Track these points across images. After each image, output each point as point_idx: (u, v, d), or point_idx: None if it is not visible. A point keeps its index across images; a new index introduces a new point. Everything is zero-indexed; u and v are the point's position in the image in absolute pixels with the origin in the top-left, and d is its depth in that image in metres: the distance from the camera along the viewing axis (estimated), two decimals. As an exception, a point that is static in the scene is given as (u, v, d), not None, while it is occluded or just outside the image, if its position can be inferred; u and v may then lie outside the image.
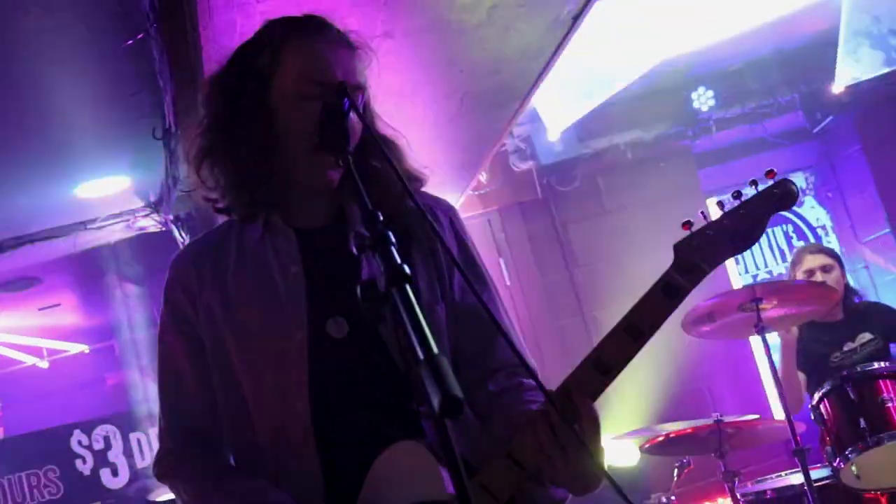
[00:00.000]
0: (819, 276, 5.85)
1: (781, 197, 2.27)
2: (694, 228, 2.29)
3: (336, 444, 2.25)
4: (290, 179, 2.29)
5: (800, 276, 5.91)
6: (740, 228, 2.26)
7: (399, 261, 1.73)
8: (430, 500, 2.12)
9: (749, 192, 2.26)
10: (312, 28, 2.32)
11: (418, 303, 1.69)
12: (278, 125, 2.25)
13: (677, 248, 2.30)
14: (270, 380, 2.26)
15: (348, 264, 2.24)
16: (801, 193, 8.37)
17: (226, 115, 2.30)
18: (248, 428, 2.28)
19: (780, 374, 5.20)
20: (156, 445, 7.31)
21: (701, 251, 2.28)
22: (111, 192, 6.40)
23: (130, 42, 4.50)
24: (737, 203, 2.27)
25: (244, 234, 2.38)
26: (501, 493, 2.13)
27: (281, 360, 2.26)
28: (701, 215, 2.29)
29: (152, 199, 6.73)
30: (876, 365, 4.95)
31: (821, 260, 5.95)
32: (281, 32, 2.31)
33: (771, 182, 2.26)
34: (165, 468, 2.41)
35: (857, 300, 6.09)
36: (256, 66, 2.29)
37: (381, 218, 1.84)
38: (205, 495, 2.32)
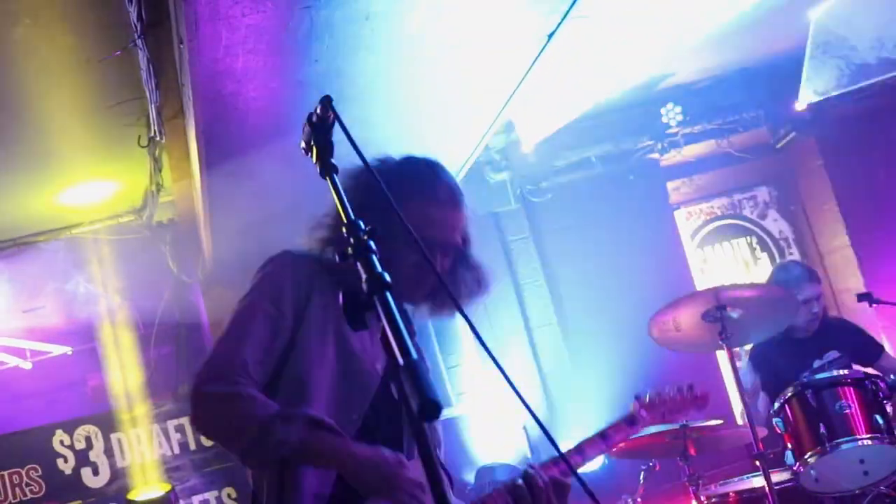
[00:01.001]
0: (813, 307, 5.83)
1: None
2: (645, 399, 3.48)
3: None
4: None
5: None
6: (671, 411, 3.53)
7: (380, 269, 1.76)
8: None
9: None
10: (441, 186, 2.78)
11: (399, 308, 1.73)
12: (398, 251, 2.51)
13: (639, 402, 3.52)
14: (341, 394, 2.59)
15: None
16: (764, 206, 8.45)
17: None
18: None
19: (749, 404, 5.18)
20: (136, 446, 7.18)
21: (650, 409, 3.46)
22: (96, 199, 6.39)
23: (118, 53, 4.50)
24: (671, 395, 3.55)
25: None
26: None
27: (359, 387, 2.62)
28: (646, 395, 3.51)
29: (136, 204, 6.71)
30: (836, 372, 4.99)
31: (816, 291, 5.90)
32: (433, 186, 2.78)
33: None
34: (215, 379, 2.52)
35: (833, 318, 6.12)
36: (375, 191, 2.29)
37: (364, 228, 1.87)
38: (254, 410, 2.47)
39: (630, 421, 3.24)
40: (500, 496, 2.79)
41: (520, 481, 2.81)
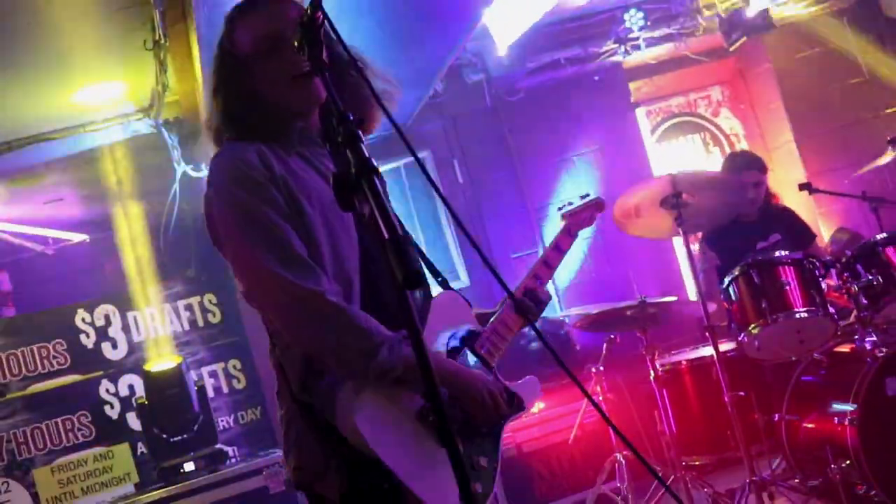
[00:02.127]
0: (751, 192, 5.86)
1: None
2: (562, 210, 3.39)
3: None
4: (287, 110, 2.48)
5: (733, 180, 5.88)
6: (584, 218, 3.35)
7: (367, 154, 1.77)
8: (471, 329, 2.69)
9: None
10: (247, 4, 2.54)
11: (383, 192, 1.74)
12: (260, 84, 2.47)
13: (565, 216, 3.35)
14: (342, 253, 2.41)
15: None
16: (717, 105, 8.41)
17: (226, 92, 2.51)
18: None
19: (702, 287, 5.20)
20: (150, 323, 7.18)
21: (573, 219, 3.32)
22: (107, 98, 6.29)
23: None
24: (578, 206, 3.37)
25: (276, 147, 2.46)
26: None
27: (349, 242, 2.44)
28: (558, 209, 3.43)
29: (144, 104, 6.62)
30: (778, 253, 5.02)
31: (757, 177, 5.93)
32: (229, 21, 2.54)
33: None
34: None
35: (776, 204, 6.13)
36: (228, 53, 2.52)
37: (352, 118, 1.85)
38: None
39: (567, 231, 3.23)
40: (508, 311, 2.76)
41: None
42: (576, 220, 3.30)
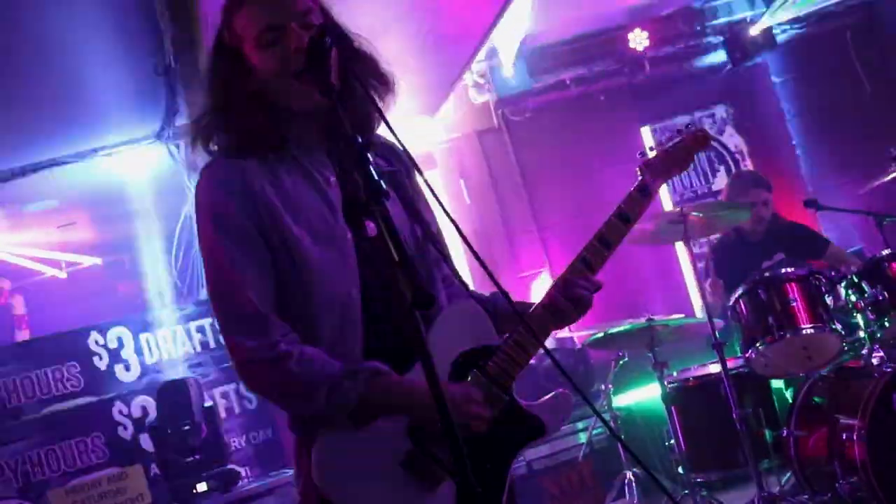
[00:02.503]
0: (761, 211, 5.88)
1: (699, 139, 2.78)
2: (650, 156, 2.74)
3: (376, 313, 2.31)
4: (287, 110, 2.31)
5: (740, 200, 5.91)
6: (678, 158, 2.76)
7: (377, 177, 1.78)
8: (482, 344, 2.36)
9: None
10: None
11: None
12: (260, 75, 2.29)
13: (643, 166, 2.70)
14: (331, 263, 2.28)
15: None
16: (722, 123, 8.42)
17: (222, 91, 2.35)
18: (307, 299, 2.27)
19: (709, 300, 5.21)
20: (162, 345, 7.18)
21: (655, 170, 2.70)
22: (120, 123, 6.34)
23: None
24: (672, 142, 2.77)
25: (271, 157, 2.33)
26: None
27: (341, 255, 2.30)
28: (648, 149, 2.78)
29: (155, 127, 6.67)
30: (783, 270, 5.03)
31: (762, 196, 5.95)
32: (228, 11, 2.36)
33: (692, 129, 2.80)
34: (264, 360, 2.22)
35: (781, 221, 6.14)
36: (226, 46, 2.36)
37: (361, 141, 1.87)
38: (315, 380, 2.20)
39: (642, 190, 2.59)
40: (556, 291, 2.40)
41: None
42: (663, 166, 2.71)
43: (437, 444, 2.15)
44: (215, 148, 2.37)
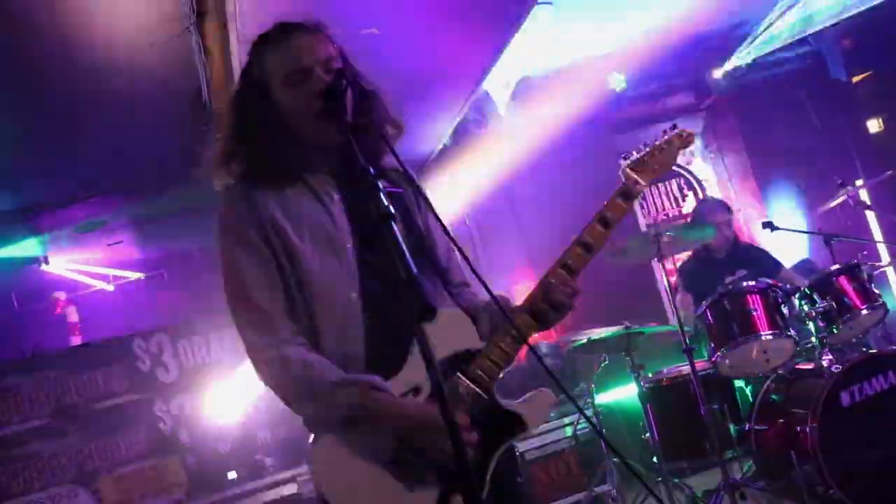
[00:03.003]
0: (724, 230, 5.90)
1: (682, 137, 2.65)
2: (630, 159, 2.60)
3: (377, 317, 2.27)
4: (304, 143, 2.30)
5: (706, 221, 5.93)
6: (664, 156, 2.61)
7: (386, 203, 1.80)
8: (468, 348, 2.27)
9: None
10: (279, 33, 2.33)
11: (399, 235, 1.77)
12: (283, 109, 2.27)
13: (626, 170, 2.56)
14: (332, 272, 2.25)
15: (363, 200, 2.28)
16: (690, 154, 8.45)
17: (246, 121, 2.32)
18: (312, 305, 2.24)
19: (680, 310, 5.22)
20: (197, 350, 7.14)
21: (643, 168, 2.57)
22: (163, 155, 6.34)
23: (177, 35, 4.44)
24: (659, 141, 2.64)
25: (279, 183, 2.31)
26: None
27: (341, 263, 2.26)
28: (635, 150, 2.63)
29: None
30: (745, 283, 5.04)
31: (726, 217, 5.97)
32: (260, 46, 2.34)
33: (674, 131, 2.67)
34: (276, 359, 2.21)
35: (743, 243, 6.16)
36: (254, 79, 2.33)
37: (373, 171, 1.90)
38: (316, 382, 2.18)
39: (624, 194, 2.44)
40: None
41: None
42: (645, 170, 2.55)
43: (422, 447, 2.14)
44: (232, 173, 2.35)
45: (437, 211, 2.31)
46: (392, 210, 1.82)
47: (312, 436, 2.22)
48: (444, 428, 1.80)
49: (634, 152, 2.59)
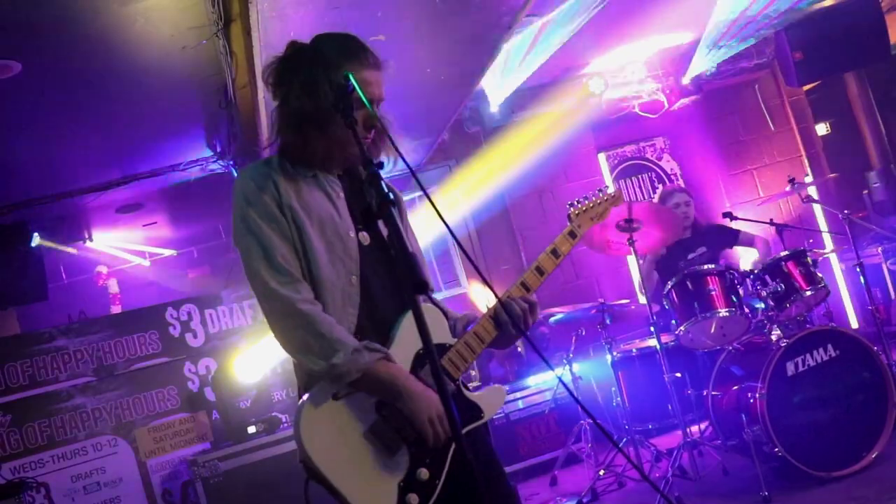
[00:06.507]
0: (683, 209, 5.91)
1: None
2: (575, 207, 2.77)
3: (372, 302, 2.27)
4: (334, 149, 2.28)
5: (668, 204, 5.95)
6: (598, 211, 2.79)
7: (386, 189, 1.84)
8: (441, 342, 2.31)
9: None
10: (359, 50, 2.29)
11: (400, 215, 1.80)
12: (334, 122, 2.19)
13: (571, 214, 2.74)
14: (336, 257, 2.24)
15: (361, 197, 2.35)
16: (661, 151, 8.45)
17: (311, 110, 2.24)
18: (316, 285, 2.21)
19: (644, 281, 5.25)
20: (222, 318, 7.15)
21: (582, 217, 2.74)
22: (191, 145, 6.36)
23: (204, 42, 4.46)
24: (595, 199, 2.81)
25: (296, 169, 2.30)
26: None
27: (345, 249, 2.26)
28: (576, 202, 2.79)
29: (218, 149, 6.68)
30: (705, 266, 5.07)
31: (684, 198, 5.99)
32: (339, 59, 2.25)
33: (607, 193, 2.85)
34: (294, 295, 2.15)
35: (704, 223, 6.16)
36: (334, 84, 2.18)
37: (375, 162, 1.94)
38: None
39: (571, 234, 2.60)
40: (487, 321, 2.36)
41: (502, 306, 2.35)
42: (585, 217, 2.72)
43: (399, 418, 2.14)
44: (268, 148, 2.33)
45: (410, 224, 2.41)
46: (391, 196, 1.84)
47: (304, 397, 2.17)
48: (437, 403, 2.06)
49: (577, 202, 2.77)
